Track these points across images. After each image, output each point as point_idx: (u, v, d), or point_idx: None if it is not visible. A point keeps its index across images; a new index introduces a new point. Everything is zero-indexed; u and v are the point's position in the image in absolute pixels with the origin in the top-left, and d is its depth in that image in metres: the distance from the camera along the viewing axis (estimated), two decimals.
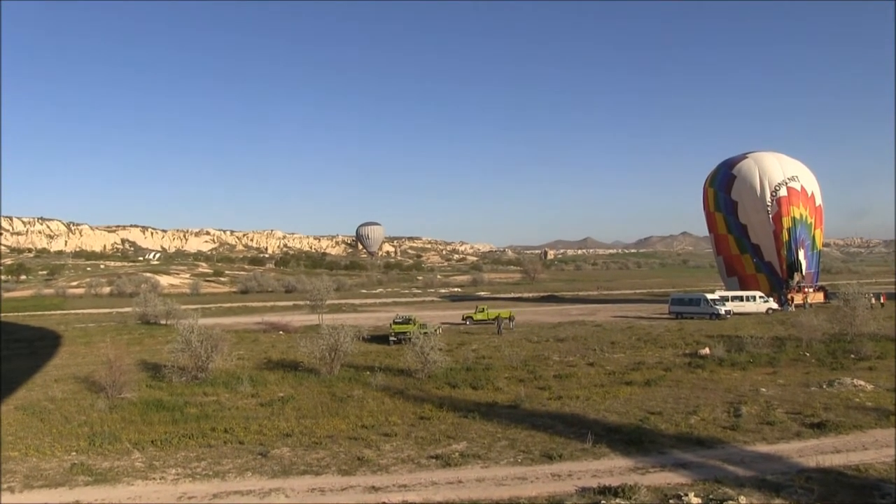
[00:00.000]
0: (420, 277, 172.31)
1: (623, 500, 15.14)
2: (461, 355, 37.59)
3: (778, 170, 69.23)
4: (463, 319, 59.68)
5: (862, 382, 27.55)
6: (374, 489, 16.76)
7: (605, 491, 15.73)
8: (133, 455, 19.94)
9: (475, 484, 16.99)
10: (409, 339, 34.33)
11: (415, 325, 46.12)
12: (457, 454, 19.29)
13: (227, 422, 23.91)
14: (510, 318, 53.25)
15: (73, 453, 20.26)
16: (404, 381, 31.14)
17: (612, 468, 17.86)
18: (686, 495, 15.24)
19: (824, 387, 27.34)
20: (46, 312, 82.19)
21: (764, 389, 27.11)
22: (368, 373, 32.11)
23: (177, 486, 17.22)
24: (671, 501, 15.13)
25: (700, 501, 14.97)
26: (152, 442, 21.18)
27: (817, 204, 71.03)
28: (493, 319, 54.75)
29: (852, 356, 34.44)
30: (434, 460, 18.90)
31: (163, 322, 62.60)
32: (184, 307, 71.29)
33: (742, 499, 14.95)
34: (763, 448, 19.38)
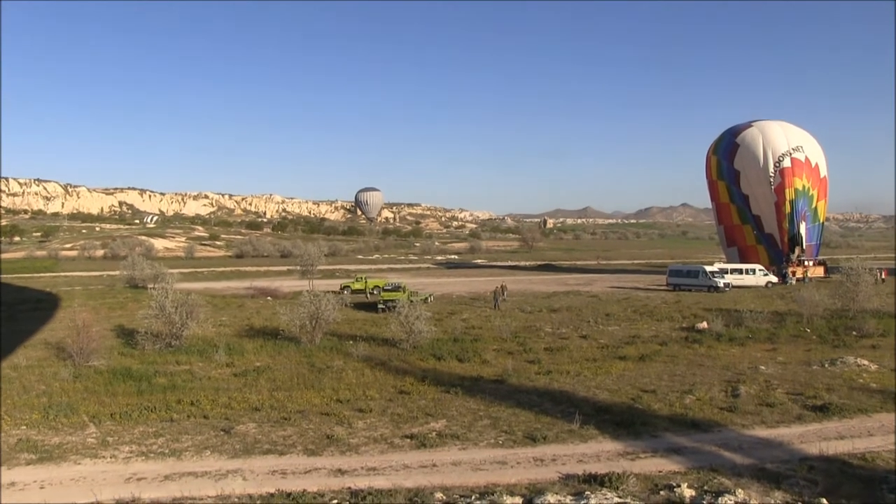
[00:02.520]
0: (418, 244, 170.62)
1: (609, 490, 13.81)
2: (450, 325, 36.25)
3: (782, 139, 67.30)
4: (340, 289, 54.03)
5: (865, 362, 26.23)
6: (340, 472, 15.45)
7: (590, 479, 14.41)
8: (88, 430, 18.60)
9: (450, 468, 15.68)
10: (398, 307, 32.96)
11: (405, 292, 44.81)
12: (434, 434, 17.96)
13: (195, 393, 22.61)
14: (503, 289, 50.48)
15: (24, 427, 18.85)
16: (388, 351, 29.84)
17: (599, 452, 16.54)
18: (679, 486, 13.89)
19: (826, 365, 26.02)
20: (36, 275, 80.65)
21: (763, 367, 25.77)
22: (351, 342, 30.79)
23: (127, 466, 15.90)
24: (662, 493, 13.80)
25: (693, 494, 13.63)
26: (111, 415, 19.84)
27: (822, 175, 69.18)
28: (372, 290, 51.55)
29: (854, 333, 33.14)
30: (409, 440, 17.57)
31: (150, 286, 61.16)
32: (173, 271, 70.35)
33: (739, 492, 13.61)
34: (762, 432, 18.06)
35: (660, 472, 15.17)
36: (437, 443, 17.25)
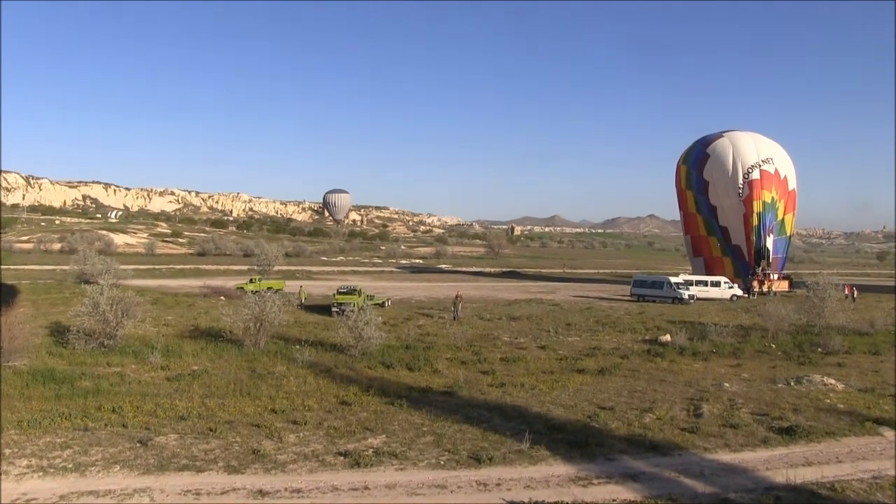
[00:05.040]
0: (383, 247, 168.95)
1: None
2: (404, 332, 34.74)
3: (752, 151, 66.87)
4: (237, 289, 51.65)
5: (832, 381, 25.12)
6: (261, 493, 13.85)
7: None
8: None
9: (383, 491, 14.15)
10: (353, 310, 31.38)
11: (360, 295, 43.21)
12: (371, 451, 16.39)
13: (119, 399, 20.80)
14: (458, 298, 45.32)
15: None
16: (335, 357, 28.24)
17: (549, 477, 15.10)
18: None
19: (792, 384, 24.87)
20: None
21: (727, 384, 24.55)
22: (298, 347, 29.12)
23: (19, 484, 14.11)
24: None
25: None
26: (18, 423, 17.94)
27: (790, 188, 68.86)
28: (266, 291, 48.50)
29: (820, 350, 32.25)
30: (342, 458, 15.98)
31: (101, 282, 58.86)
32: (129, 267, 68.12)
33: None
34: (726, 457, 16.74)
35: (613, 500, 13.79)
36: (373, 462, 15.69)
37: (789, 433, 18.54)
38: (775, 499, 13.92)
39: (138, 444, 16.54)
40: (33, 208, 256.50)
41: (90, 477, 14.58)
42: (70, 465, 15.10)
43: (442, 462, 15.90)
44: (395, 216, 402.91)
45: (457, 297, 44.70)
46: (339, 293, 44.26)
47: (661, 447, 17.25)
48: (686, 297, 55.14)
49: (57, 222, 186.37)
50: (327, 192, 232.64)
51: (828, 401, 22.57)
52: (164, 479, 14.53)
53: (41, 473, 14.67)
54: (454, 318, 41.26)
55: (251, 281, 53.99)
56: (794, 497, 14.09)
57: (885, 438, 18.64)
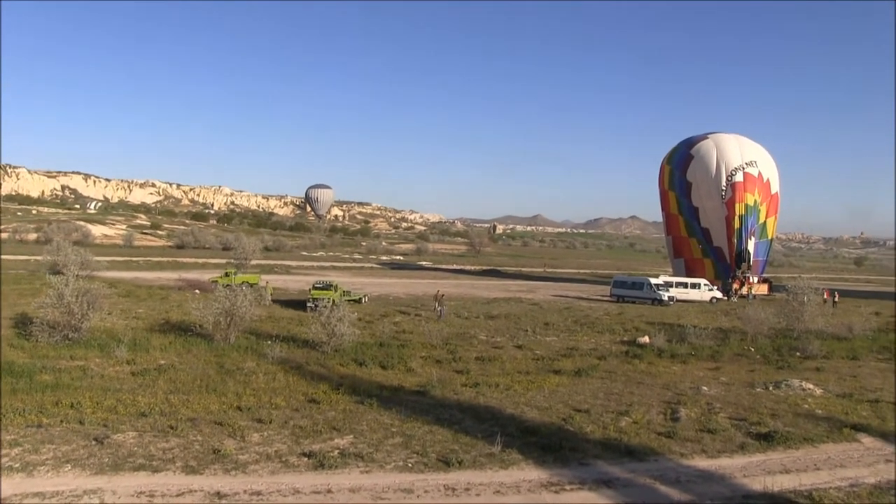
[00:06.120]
0: (364, 243, 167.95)
1: None
2: (380, 328, 34.11)
3: (737, 153, 66.72)
4: (211, 282, 49.91)
5: (811, 386, 24.81)
6: (218, 496, 13.23)
7: None
8: None
9: (347, 495, 13.57)
10: (325, 306, 30.70)
11: (336, 291, 42.53)
12: (336, 452, 15.79)
13: (79, 394, 20.07)
14: (440, 297, 44.58)
15: None
16: (307, 354, 27.59)
17: (520, 482, 14.57)
18: None
19: (770, 388, 24.53)
20: None
21: (706, 388, 24.15)
22: (269, 342, 28.38)
23: None
24: None
25: None
26: None
27: (773, 191, 68.77)
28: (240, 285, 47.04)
29: (798, 354, 31.99)
30: (306, 459, 15.37)
31: (76, 273, 57.75)
32: (104, 258, 66.93)
33: None
34: (702, 463, 16.29)
35: None
36: (338, 463, 15.09)
37: (767, 439, 18.14)
38: None
39: (94, 442, 15.85)
40: (10, 198, 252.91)
41: (37, 477, 13.89)
42: (17, 465, 14.39)
43: (410, 465, 15.33)
44: (378, 212, 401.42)
45: (439, 295, 44.05)
46: (314, 288, 43.53)
47: (637, 452, 16.77)
48: (666, 298, 54.88)
49: (34, 212, 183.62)
50: (310, 187, 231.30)
51: (806, 406, 22.23)
52: (118, 480, 13.87)
53: None
54: (438, 317, 40.17)
55: (226, 275, 52.91)
56: None
57: (863, 445, 18.33)
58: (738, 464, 16.32)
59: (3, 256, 78.63)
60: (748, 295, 63.12)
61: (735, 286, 64.69)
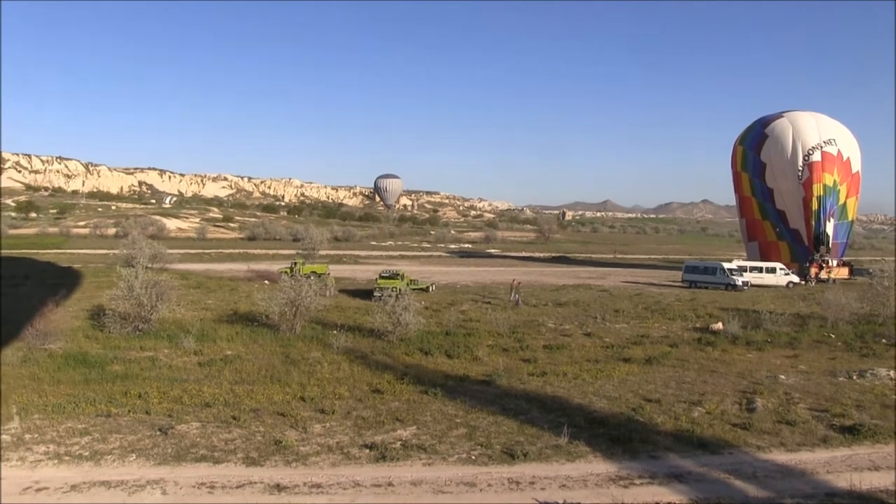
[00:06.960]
0: (433, 232, 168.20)
1: None
2: (446, 317, 33.78)
3: (814, 131, 63.92)
4: (278, 272, 50.06)
5: None
6: (278, 488, 13.11)
7: None
8: (9, 424, 16.33)
9: (408, 488, 13.29)
10: (390, 295, 30.56)
11: (403, 280, 42.41)
12: (398, 444, 15.55)
13: (147, 384, 20.32)
14: (516, 286, 43.84)
15: None
16: (373, 343, 27.44)
17: (587, 475, 14.05)
18: None
19: (854, 377, 23.29)
20: (42, 251, 78.93)
21: (783, 377, 23.08)
22: (335, 332, 28.35)
23: (33, 472, 13.64)
24: None
25: None
26: (44, 407, 17.57)
27: (854, 170, 65.70)
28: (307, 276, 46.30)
29: (884, 341, 30.29)
30: (367, 451, 15.16)
31: (149, 266, 59.22)
32: (178, 251, 68.42)
33: None
34: (781, 457, 15.46)
35: (656, 503, 12.70)
36: (400, 455, 14.83)
37: (852, 432, 17.12)
38: None
39: (158, 433, 15.96)
40: (92, 194, 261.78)
41: (104, 466, 14.05)
42: (86, 453, 14.60)
43: (473, 457, 14.96)
44: (446, 201, 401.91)
45: (515, 283, 43.51)
46: (381, 277, 43.51)
47: (710, 444, 16.05)
48: (740, 283, 53.13)
49: (113, 208, 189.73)
50: (378, 178, 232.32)
51: (895, 397, 21.00)
52: (180, 471, 13.91)
53: (56, 461, 14.20)
54: (515, 305, 39.63)
55: (294, 265, 53.33)
56: None
57: None
58: (820, 458, 15.44)
59: (83, 251, 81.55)
60: (828, 279, 60.73)
61: (813, 270, 62.25)
